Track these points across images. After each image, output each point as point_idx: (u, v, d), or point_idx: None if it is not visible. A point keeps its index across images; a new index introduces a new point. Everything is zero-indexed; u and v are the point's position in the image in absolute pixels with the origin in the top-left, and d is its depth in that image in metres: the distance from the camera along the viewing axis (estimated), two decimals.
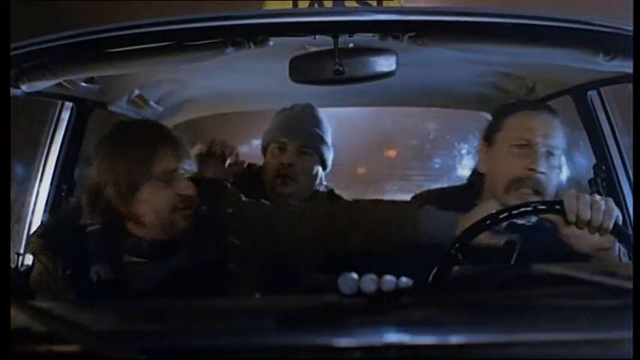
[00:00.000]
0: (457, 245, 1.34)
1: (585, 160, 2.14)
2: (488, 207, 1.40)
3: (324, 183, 2.20)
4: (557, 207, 1.34)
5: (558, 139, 1.62)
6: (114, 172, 1.43)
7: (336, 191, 2.21)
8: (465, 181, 1.83)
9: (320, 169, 2.14)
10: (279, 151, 2.08)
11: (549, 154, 1.60)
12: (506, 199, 1.60)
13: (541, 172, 1.58)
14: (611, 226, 1.31)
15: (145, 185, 1.43)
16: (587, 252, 1.37)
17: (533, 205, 1.46)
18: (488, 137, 1.70)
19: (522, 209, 1.40)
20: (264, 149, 2.15)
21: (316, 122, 2.13)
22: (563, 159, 1.64)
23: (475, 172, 1.74)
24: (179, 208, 1.46)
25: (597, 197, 1.34)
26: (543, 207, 1.40)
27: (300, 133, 2.08)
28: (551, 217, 1.36)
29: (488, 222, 1.32)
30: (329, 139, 2.15)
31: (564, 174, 1.73)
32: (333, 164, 2.20)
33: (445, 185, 1.95)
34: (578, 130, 2.12)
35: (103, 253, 1.45)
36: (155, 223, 1.46)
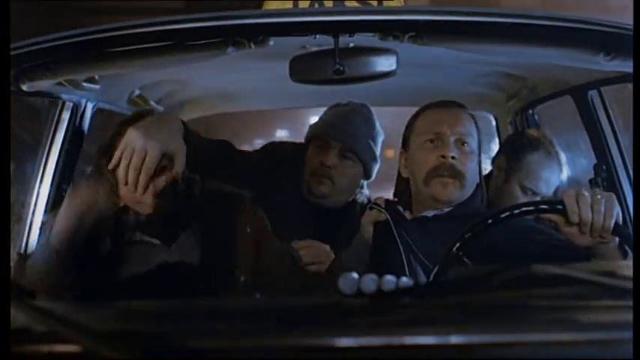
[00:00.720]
0: (458, 245, 1.35)
1: (585, 160, 2.14)
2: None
3: (365, 192, 2.12)
4: (559, 207, 1.34)
5: (468, 128, 1.65)
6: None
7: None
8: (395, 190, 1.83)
9: (362, 177, 2.06)
10: (321, 149, 2.00)
11: (460, 141, 1.63)
12: (428, 190, 1.62)
13: (453, 158, 1.60)
14: (612, 226, 1.32)
15: None
16: (588, 245, 1.38)
17: (534, 205, 1.47)
18: (404, 143, 1.73)
19: (524, 209, 1.41)
20: (308, 142, 2.07)
21: (368, 128, 2.03)
22: (476, 146, 1.65)
23: (400, 179, 1.75)
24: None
25: (598, 194, 1.34)
26: (544, 207, 1.41)
27: (347, 135, 1.99)
28: (552, 216, 1.36)
29: (489, 221, 1.33)
30: (377, 148, 2.06)
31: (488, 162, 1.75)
32: None
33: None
34: (579, 130, 2.12)
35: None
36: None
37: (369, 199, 2.10)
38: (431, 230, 1.62)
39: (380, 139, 2.08)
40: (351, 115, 2.04)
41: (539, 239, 1.51)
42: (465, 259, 1.40)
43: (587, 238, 1.36)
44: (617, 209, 1.33)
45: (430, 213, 1.65)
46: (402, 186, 1.74)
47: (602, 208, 1.32)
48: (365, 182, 2.11)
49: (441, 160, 1.61)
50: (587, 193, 1.34)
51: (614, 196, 1.36)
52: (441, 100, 1.77)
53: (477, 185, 1.68)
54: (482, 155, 1.72)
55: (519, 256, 1.42)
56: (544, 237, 1.52)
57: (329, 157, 1.98)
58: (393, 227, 1.63)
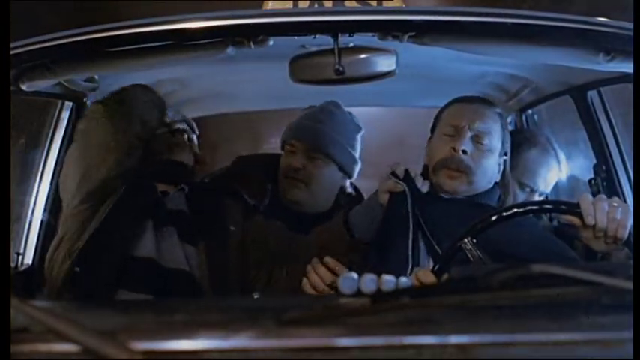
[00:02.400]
0: (466, 240, 1.37)
1: (585, 160, 2.14)
2: None
3: (349, 189, 2.04)
4: (575, 210, 1.36)
5: (490, 126, 1.64)
6: None
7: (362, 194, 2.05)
8: None
9: (338, 176, 1.98)
10: (290, 153, 1.97)
11: (478, 137, 1.62)
12: (435, 179, 1.63)
13: (463, 152, 1.60)
14: (624, 236, 1.33)
15: None
16: (604, 250, 1.39)
17: (551, 204, 1.49)
18: (431, 131, 1.74)
19: (537, 207, 1.44)
20: (282, 148, 2.03)
21: (335, 125, 1.96)
22: (497, 146, 1.65)
23: (424, 165, 1.75)
24: None
25: (614, 202, 1.35)
26: (562, 207, 1.42)
27: (309, 134, 1.95)
28: (571, 218, 1.38)
29: (493, 219, 1.37)
30: (351, 144, 1.98)
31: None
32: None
33: None
34: (579, 130, 2.12)
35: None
36: None
37: (349, 194, 2.04)
38: (443, 211, 1.61)
39: (358, 135, 2.01)
40: (318, 114, 1.99)
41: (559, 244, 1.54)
42: (469, 254, 1.41)
43: (602, 244, 1.37)
44: (631, 221, 1.34)
45: (446, 196, 1.64)
46: (425, 173, 1.73)
47: (618, 217, 1.33)
48: (348, 182, 2.04)
49: (452, 152, 1.61)
50: (604, 200, 1.35)
51: (629, 208, 1.37)
52: (471, 95, 1.76)
53: (496, 183, 1.67)
54: None
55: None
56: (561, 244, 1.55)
57: (296, 159, 1.94)
58: (409, 199, 1.59)
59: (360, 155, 2.03)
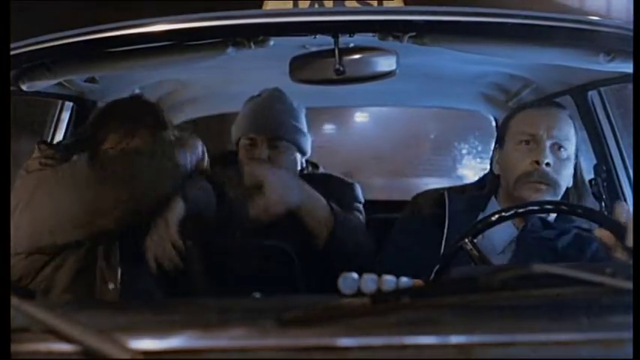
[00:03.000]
0: (466, 240, 1.38)
1: (585, 160, 2.14)
2: None
3: (308, 169, 2.10)
4: (576, 210, 1.36)
5: (566, 132, 1.62)
6: None
7: (320, 170, 2.13)
8: (481, 179, 1.84)
9: (298, 157, 2.01)
10: (251, 147, 1.96)
11: (556, 146, 1.61)
12: (517, 194, 1.61)
13: (547, 164, 1.58)
14: None
15: None
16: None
17: (552, 204, 1.49)
18: (499, 141, 1.72)
19: (538, 207, 1.47)
20: (236, 144, 2.03)
21: (286, 110, 1.99)
22: (573, 151, 1.64)
23: (491, 174, 1.76)
24: None
25: None
26: (563, 208, 1.45)
27: (269, 125, 1.95)
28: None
29: (494, 219, 1.40)
30: (303, 125, 2.02)
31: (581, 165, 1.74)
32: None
33: (465, 182, 1.95)
34: (579, 130, 2.12)
35: None
36: None
37: (310, 172, 2.09)
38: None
39: (303, 114, 2.04)
40: (266, 103, 2.01)
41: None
42: (469, 254, 1.42)
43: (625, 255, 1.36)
44: None
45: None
46: (493, 183, 1.73)
47: None
48: (304, 159, 2.07)
49: (535, 165, 1.59)
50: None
51: None
52: (541, 100, 1.75)
53: (567, 189, 1.65)
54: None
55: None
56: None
57: (259, 150, 1.94)
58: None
59: (308, 130, 2.08)
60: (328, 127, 6.95)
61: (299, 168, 2.04)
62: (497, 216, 1.47)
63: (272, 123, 1.96)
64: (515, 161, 1.63)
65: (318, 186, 1.88)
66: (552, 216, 1.66)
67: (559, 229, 1.64)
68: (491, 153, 1.78)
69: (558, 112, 1.66)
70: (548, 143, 1.60)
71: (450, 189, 1.87)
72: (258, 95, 2.04)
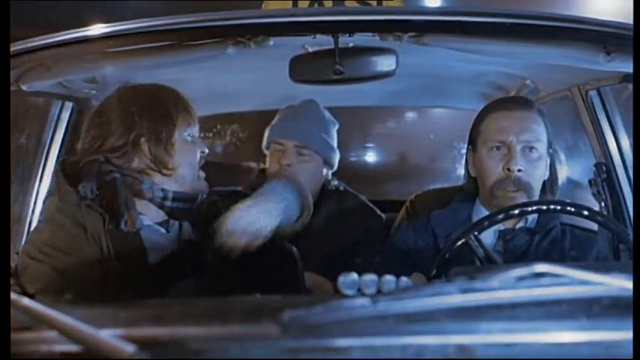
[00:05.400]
0: (471, 236, 1.38)
1: (585, 160, 2.14)
2: None
3: (334, 182, 2.15)
4: (580, 211, 1.41)
5: (536, 132, 1.63)
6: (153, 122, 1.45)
7: (349, 189, 2.16)
8: (462, 182, 1.84)
9: (324, 169, 2.09)
10: (279, 152, 2.04)
11: (527, 149, 1.62)
12: (493, 202, 1.63)
13: (519, 170, 1.60)
14: None
15: (178, 139, 1.46)
16: None
17: (559, 204, 1.53)
18: (471, 143, 1.73)
19: (545, 206, 1.54)
20: (267, 148, 2.11)
21: (317, 122, 2.07)
22: (545, 148, 1.64)
23: (468, 176, 1.76)
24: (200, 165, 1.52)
25: None
26: (568, 208, 1.50)
27: (297, 132, 2.04)
28: None
29: (500, 217, 1.42)
30: (333, 139, 2.10)
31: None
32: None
33: (445, 186, 1.96)
34: (579, 130, 2.12)
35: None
36: (186, 174, 1.48)
37: (338, 188, 2.13)
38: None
39: (334, 129, 2.12)
40: (298, 112, 2.09)
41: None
42: (474, 251, 1.42)
43: None
44: None
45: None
46: (472, 184, 1.74)
47: None
48: (330, 172, 2.13)
49: (507, 172, 1.60)
50: None
51: None
52: (508, 99, 1.73)
53: (544, 182, 1.67)
54: None
55: None
56: None
57: (287, 156, 2.02)
58: None
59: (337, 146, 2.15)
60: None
61: (323, 179, 2.10)
62: (502, 214, 1.49)
63: (301, 131, 2.03)
64: (488, 168, 1.64)
65: (339, 208, 1.98)
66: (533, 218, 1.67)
67: (543, 229, 1.65)
68: (464, 155, 1.78)
69: (527, 113, 1.65)
70: (518, 147, 1.61)
71: (441, 190, 1.88)
72: (293, 105, 2.12)
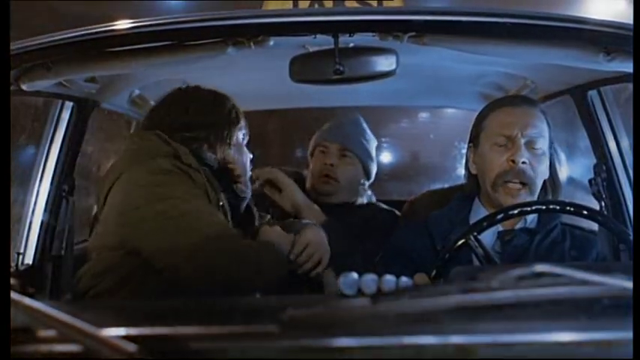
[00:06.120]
0: (471, 237, 1.38)
1: (585, 160, 2.14)
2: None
3: (368, 193, 2.26)
4: (581, 211, 1.46)
5: (540, 128, 1.65)
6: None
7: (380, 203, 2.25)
8: (462, 182, 1.85)
9: (363, 177, 2.20)
10: (323, 153, 2.16)
11: (531, 143, 1.63)
12: (496, 195, 1.63)
13: (523, 163, 1.60)
14: None
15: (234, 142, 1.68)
16: None
17: (558, 204, 1.53)
18: (473, 140, 1.73)
19: (544, 206, 1.52)
20: (311, 155, 2.23)
21: (360, 131, 2.20)
22: (547, 146, 1.66)
23: (468, 174, 1.76)
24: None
25: None
26: (568, 208, 1.50)
27: (341, 136, 2.16)
28: None
29: (499, 217, 1.43)
30: (372, 150, 2.21)
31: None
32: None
33: (445, 186, 1.97)
34: (579, 130, 2.12)
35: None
36: (242, 175, 1.68)
37: (369, 201, 2.24)
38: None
39: (374, 145, 2.24)
40: (345, 121, 2.23)
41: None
42: (474, 251, 1.42)
43: None
44: None
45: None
46: (472, 182, 1.75)
47: None
48: (367, 183, 2.23)
49: (510, 165, 1.61)
50: None
51: None
52: (512, 97, 1.75)
53: (544, 181, 1.68)
54: None
55: None
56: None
57: (330, 156, 2.14)
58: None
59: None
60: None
61: (360, 185, 2.21)
62: (502, 214, 1.49)
63: (345, 135, 2.18)
64: (491, 161, 1.65)
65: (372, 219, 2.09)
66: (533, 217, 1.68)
67: (544, 229, 1.66)
68: (465, 152, 1.79)
69: (531, 110, 1.68)
70: (523, 141, 1.62)
71: (441, 191, 1.88)
72: (340, 116, 2.30)
